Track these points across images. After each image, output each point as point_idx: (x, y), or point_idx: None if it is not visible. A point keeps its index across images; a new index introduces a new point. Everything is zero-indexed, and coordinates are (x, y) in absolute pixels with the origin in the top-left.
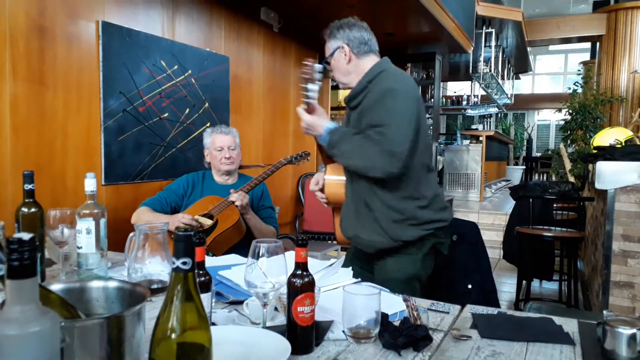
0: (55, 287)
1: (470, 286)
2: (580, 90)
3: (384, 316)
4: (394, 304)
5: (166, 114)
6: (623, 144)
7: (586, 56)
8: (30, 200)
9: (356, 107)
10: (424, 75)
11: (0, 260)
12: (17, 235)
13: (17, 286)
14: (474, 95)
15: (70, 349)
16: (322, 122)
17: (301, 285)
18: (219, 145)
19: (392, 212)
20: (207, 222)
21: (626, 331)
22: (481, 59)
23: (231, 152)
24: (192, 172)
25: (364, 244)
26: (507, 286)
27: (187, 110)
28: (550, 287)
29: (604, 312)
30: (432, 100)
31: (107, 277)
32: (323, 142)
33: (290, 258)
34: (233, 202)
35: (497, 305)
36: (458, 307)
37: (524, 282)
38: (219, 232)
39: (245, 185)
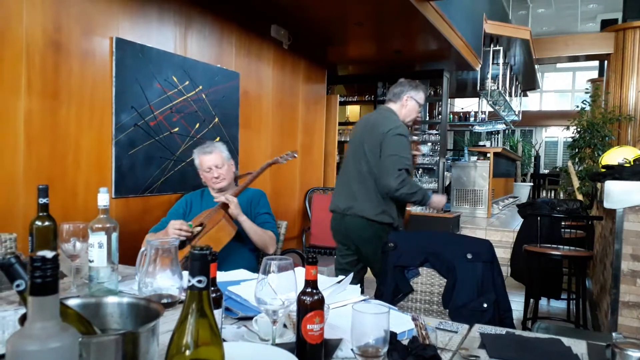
0: (72, 302)
1: (485, 305)
2: (588, 108)
3: (393, 335)
4: (402, 323)
5: (176, 129)
6: (632, 163)
7: (594, 74)
8: (44, 214)
9: None
10: (432, 92)
11: (20, 276)
12: (40, 253)
13: (39, 303)
14: (482, 112)
15: None
16: None
17: (311, 303)
18: (207, 167)
19: None
20: (197, 229)
21: (635, 354)
22: (489, 76)
23: (219, 170)
24: (201, 186)
25: None
26: (514, 304)
27: (197, 125)
28: (558, 305)
29: (613, 334)
30: (440, 116)
31: (118, 291)
32: None
33: (299, 275)
34: (223, 204)
35: (512, 325)
36: (466, 326)
37: (532, 300)
38: (205, 233)
39: (233, 190)
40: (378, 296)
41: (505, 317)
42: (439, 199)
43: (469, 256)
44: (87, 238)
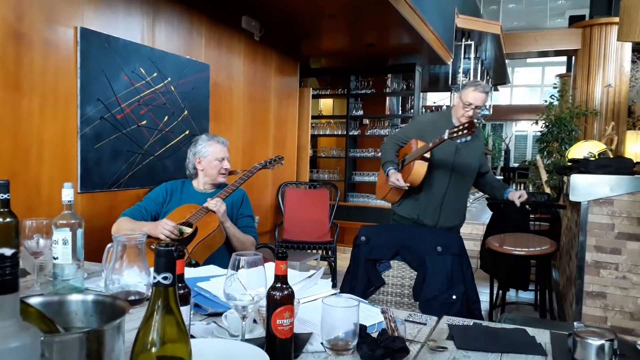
0: (34, 300)
1: (454, 297)
2: (556, 102)
3: (362, 328)
4: (372, 316)
5: (144, 122)
6: (597, 157)
7: (562, 69)
8: (6, 209)
9: None
10: (404, 86)
11: None
12: None
13: None
14: (453, 106)
15: None
16: None
17: (280, 298)
18: (221, 157)
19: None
20: (187, 230)
21: (595, 342)
22: (460, 70)
23: (229, 163)
24: (170, 180)
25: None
26: (483, 295)
27: (166, 117)
28: (526, 295)
29: (575, 323)
30: (412, 110)
31: (84, 288)
32: None
33: (269, 270)
34: (209, 210)
35: (480, 316)
36: (435, 318)
37: (500, 292)
38: (200, 239)
39: (222, 192)
40: (350, 290)
41: (474, 309)
42: (394, 178)
43: (439, 249)
44: (50, 234)
